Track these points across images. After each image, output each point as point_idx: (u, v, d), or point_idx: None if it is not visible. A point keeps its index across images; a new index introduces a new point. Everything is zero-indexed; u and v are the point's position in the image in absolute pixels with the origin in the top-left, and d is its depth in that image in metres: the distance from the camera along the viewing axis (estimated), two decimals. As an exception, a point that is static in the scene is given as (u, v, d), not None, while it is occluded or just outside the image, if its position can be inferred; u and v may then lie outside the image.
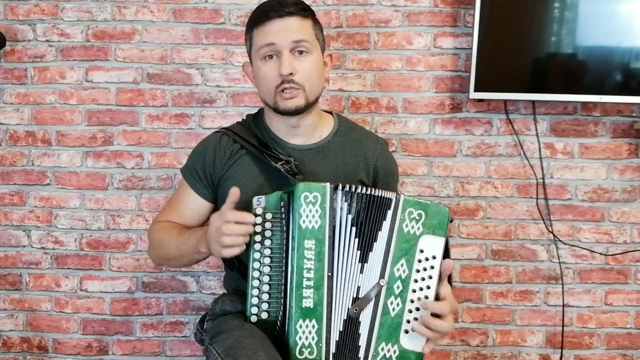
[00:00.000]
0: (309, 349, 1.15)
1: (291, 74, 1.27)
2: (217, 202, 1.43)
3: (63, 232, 1.91)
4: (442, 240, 1.17)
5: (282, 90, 1.29)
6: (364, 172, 1.41)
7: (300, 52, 1.30)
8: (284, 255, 1.18)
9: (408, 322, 1.16)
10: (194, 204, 1.42)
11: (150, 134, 1.89)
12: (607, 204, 1.90)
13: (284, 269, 1.18)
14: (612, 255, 1.90)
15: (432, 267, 1.16)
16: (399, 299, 1.16)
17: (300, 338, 1.15)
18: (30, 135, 1.89)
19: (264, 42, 1.29)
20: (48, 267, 1.91)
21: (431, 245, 1.16)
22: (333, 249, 1.17)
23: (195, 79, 1.88)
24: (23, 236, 1.91)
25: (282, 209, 1.20)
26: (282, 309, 1.18)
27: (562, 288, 1.90)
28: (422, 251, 1.16)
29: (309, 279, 1.16)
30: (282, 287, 1.18)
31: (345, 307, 1.17)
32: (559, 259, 1.90)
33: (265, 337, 1.16)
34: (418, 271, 1.16)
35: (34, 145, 1.89)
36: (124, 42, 1.87)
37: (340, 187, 1.18)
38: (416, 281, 1.16)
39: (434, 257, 1.17)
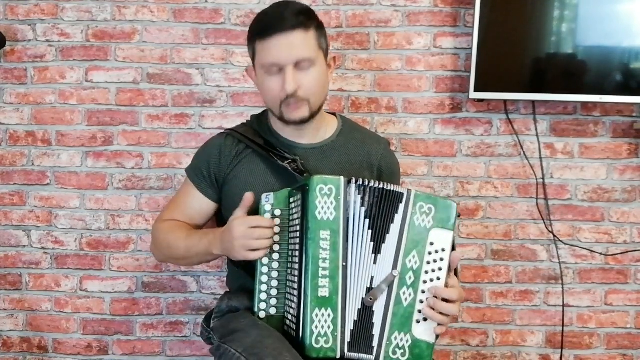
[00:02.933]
0: (324, 338, 1.16)
1: (295, 90, 1.28)
2: (221, 202, 1.44)
3: (63, 232, 1.91)
4: (451, 233, 1.20)
5: (288, 105, 1.30)
6: (368, 172, 1.42)
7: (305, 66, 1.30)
8: (300, 246, 1.20)
9: (420, 312, 1.19)
10: (198, 203, 1.44)
11: (150, 134, 1.89)
12: (607, 204, 1.90)
13: (298, 260, 1.20)
14: (612, 255, 1.90)
15: (441, 259, 1.19)
16: (411, 290, 1.18)
17: (316, 327, 1.16)
18: (30, 135, 1.89)
19: (267, 60, 1.29)
20: (48, 267, 1.91)
21: (441, 238, 1.20)
22: (347, 240, 1.19)
23: (195, 79, 1.88)
24: (23, 236, 1.91)
25: (290, 206, 1.23)
26: (297, 298, 1.19)
27: (562, 288, 1.90)
28: (432, 244, 1.19)
29: (324, 269, 1.17)
30: (298, 277, 1.19)
31: (359, 297, 1.19)
32: (559, 259, 1.90)
33: (281, 337, 1.19)
34: (429, 263, 1.19)
35: (34, 145, 1.89)
36: (124, 42, 1.87)
37: (353, 180, 1.20)
38: (427, 272, 1.19)
39: (443, 250, 1.20)
